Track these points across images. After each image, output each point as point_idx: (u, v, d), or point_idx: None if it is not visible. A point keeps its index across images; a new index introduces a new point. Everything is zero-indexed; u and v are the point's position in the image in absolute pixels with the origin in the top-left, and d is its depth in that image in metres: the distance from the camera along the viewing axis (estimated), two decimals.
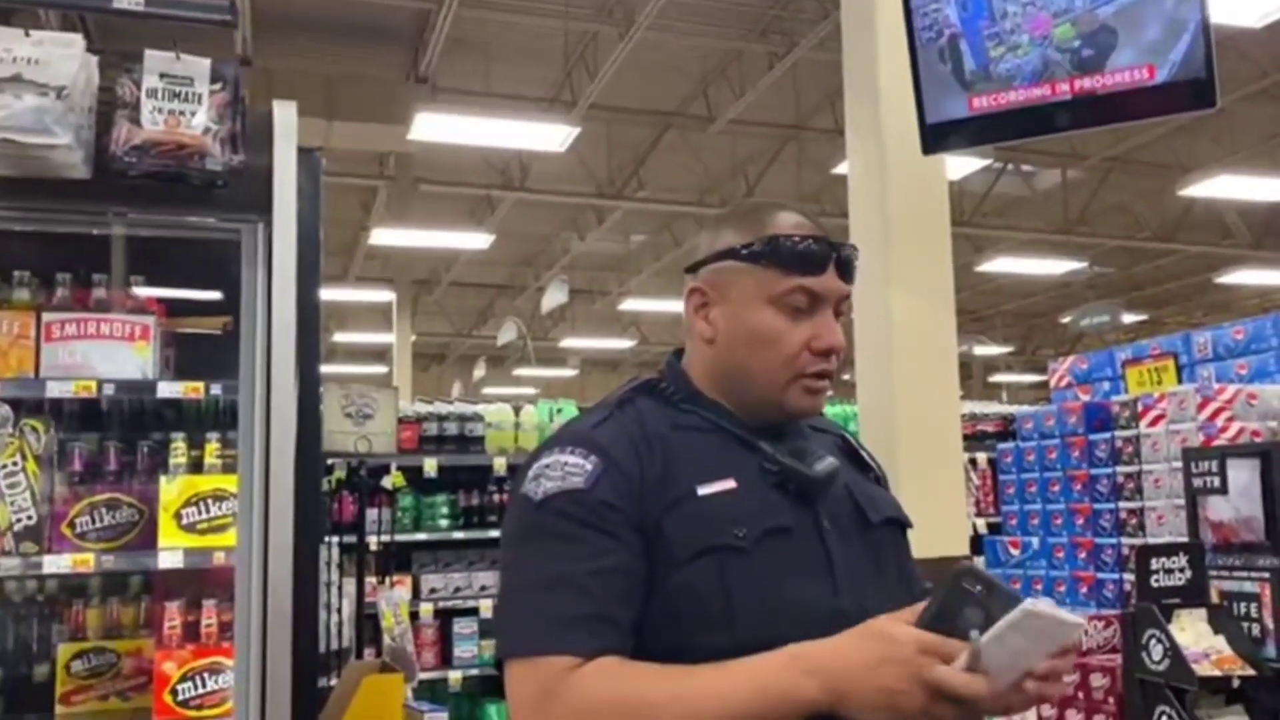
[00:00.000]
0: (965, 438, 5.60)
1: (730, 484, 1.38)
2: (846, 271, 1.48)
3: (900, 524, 1.56)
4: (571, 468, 1.35)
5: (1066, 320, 16.88)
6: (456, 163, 10.95)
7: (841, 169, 4.29)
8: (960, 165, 9.68)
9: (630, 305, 17.07)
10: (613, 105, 10.04)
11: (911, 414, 3.79)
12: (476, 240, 12.79)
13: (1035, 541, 4.41)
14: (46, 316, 2.46)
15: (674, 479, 1.37)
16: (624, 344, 20.06)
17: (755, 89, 9.53)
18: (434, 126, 8.21)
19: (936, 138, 3.08)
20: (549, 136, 8.69)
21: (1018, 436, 4.71)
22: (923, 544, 3.79)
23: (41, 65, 2.01)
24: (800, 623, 1.30)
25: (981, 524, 6.11)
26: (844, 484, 1.47)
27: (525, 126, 8.79)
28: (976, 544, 4.97)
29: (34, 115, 1.99)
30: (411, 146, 9.12)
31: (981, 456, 6.44)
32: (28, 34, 2.07)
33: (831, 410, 6.49)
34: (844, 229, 4.09)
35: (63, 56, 2.04)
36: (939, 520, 3.73)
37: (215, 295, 2.75)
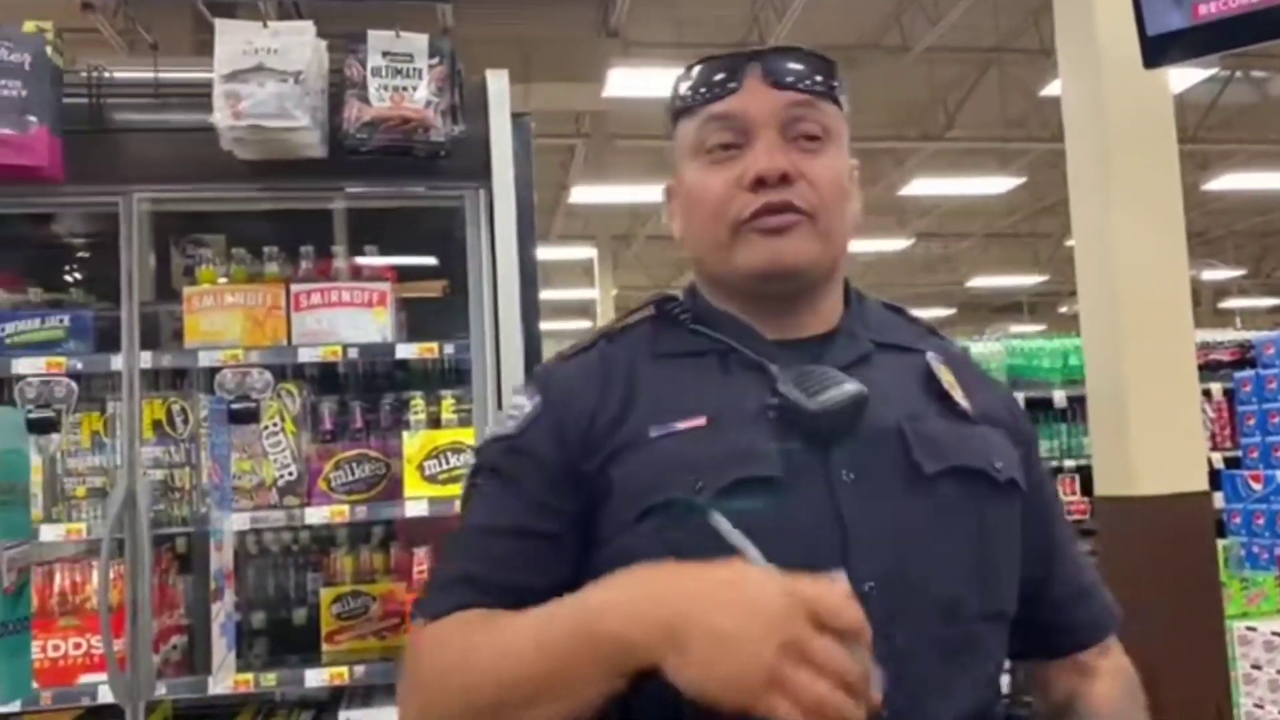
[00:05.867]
0: (1198, 368, 5.28)
1: (699, 421, 1.05)
2: (780, 77, 1.14)
3: (987, 476, 1.09)
4: (513, 409, 1.15)
5: None
6: (649, 116, 11.01)
7: (1049, 90, 4.09)
8: (1182, 76, 9.01)
9: None
10: (803, 42, 9.85)
11: (1141, 346, 3.60)
12: None
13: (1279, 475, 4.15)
14: (295, 288, 2.64)
15: (629, 419, 1.08)
16: None
17: (952, 13, 9.15)
18: (628, 82, 8.29)
19: (1159, 50, 2.89)
20: None
21: (1257, 364, 4.42)
22: (1161, 481, 3.64)
23: (280, 53, 2.16)
24: None
25: (1218, 458, 5.78)
26: (895, 420, 1.07)
27: None
28: (1214, 479, 4.71)
29: (276, 101, 2.15)
30: (606, 104, 9.24)
31: (1216, 387, 6.08)
32: (265, 25, 2.22)
33: (1050, 345, 6.21)
34: (1059, 154, 3.90)
35: (298, 44, 2.19)
36: (1176, 456, 3.55)
37: (432, 261, 2.91)
